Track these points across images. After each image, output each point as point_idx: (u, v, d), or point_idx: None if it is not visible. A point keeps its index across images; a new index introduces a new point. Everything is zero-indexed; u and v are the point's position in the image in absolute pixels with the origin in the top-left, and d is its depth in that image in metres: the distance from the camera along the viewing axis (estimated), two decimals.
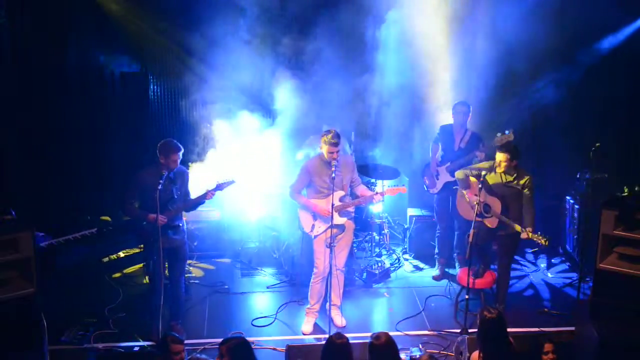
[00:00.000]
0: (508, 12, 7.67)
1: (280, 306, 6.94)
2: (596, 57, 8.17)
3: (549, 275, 7.82)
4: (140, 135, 8.43)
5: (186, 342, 5.16)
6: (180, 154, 6.02)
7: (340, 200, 6.25)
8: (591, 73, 8.17)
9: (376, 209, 8.06)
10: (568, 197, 8.04)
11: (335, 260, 6.22)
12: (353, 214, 6.51)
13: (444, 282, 7.49)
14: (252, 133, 7.72)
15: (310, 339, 6.35)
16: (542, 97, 8.14)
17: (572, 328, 6.29)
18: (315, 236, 6.37)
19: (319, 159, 6.28)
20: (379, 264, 7.70)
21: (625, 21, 8.03)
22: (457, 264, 7.63)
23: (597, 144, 6.75)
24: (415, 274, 7.84)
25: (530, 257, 8.27)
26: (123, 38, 8.27)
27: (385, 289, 7.43)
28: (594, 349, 5.55)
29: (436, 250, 7.79)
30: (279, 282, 7.52)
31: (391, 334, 4.62)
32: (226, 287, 7.38)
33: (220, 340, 4.66)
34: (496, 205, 6.31)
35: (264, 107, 8.19)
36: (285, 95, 7.76)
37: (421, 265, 8.05)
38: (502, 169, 6.26)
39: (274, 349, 6.14)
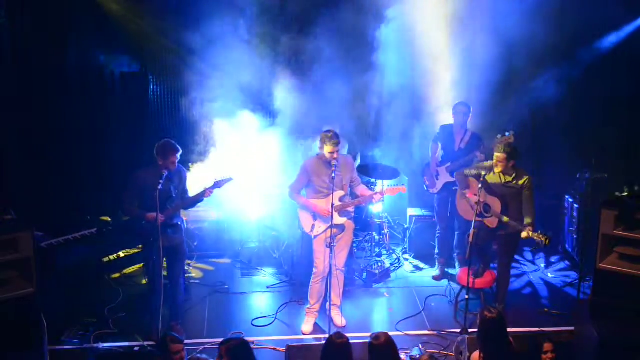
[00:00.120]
0: (508, 11, 7.63)
1: (280, 306, 6.94)
2: (597, 55, 8.16)
3: (549, 275, 7.81)
4: (140, 135, 8.40)
5: (186, 342, 5.14)
6: (179, 154, 6.01)
7: (340, 200, 6.24)
8: (592, 72, 8.16)
9: (376, 209, 8.05)
10: (568, 197, 8.04)
11: (335, 260, 6.21)
12: (353, 214, 6.51)
13: (444, 282, 7.49)
14: (252, 133, 7.71)
15: (310, 339, 6.35)
16: (542, 96, 8.10)
17: (572, 328, 6.29)
18: (315, 236, 6.36)
19: (318, 159, 6.27)
20: (379, 264, 7.70)
21: (627, 19, 8.01)
22: (457, 264, 7.62)
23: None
24: (415, 274, 7.84)
25: (529, 256, 8.27)
26: (123, 38, 8.25)
27: (385, 289, 7.42)
28: (593, 349, 5.54)
29: (436, 250, 7.79)
30: (279, 282, 7.52)
31: (391, 334, 4.62)
32: (226, 287, 7.38)
33: (220, 340, 4.67)
34: (496, 205, 6.31)
35: (264, 107, 8.17)
36: (285, 94, 7.75)
37: (421, 265, 8.05)
38: (500, 169, 6.26)
39: (274, 349, 6.15)
